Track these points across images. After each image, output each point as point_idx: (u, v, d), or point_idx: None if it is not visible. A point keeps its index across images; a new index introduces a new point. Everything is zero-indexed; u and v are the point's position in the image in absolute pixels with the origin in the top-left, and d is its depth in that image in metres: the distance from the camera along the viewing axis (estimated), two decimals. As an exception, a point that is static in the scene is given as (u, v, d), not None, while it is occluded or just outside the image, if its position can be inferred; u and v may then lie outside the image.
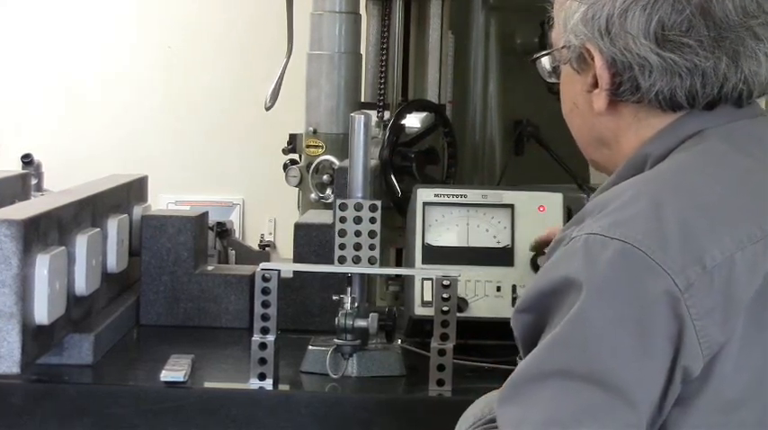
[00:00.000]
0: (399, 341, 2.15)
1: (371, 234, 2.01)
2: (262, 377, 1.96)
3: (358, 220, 2.01)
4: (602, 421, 1.21)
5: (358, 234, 2.01)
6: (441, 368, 1.96)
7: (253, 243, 4.75)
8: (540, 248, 2.19)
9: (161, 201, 4.68)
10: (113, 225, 2.24)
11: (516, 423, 1.24)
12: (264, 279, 1.95)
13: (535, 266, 2.20)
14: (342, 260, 2.02)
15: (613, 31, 1.37)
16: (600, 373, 1.22)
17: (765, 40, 1.36)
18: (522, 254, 2.21)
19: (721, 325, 1.24)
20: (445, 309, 1.97)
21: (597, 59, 1.39)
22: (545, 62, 1.52)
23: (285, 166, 3.22)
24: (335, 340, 2.01)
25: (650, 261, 1.24)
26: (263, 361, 1.95)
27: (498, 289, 2.20)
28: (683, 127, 1.39)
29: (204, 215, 2.53)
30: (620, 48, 1.37)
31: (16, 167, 4.14)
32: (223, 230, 3.72)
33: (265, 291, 1.95)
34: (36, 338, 1.83)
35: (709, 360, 1.24)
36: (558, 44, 1.47)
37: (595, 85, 1.41)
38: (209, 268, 2.47)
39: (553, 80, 1.52)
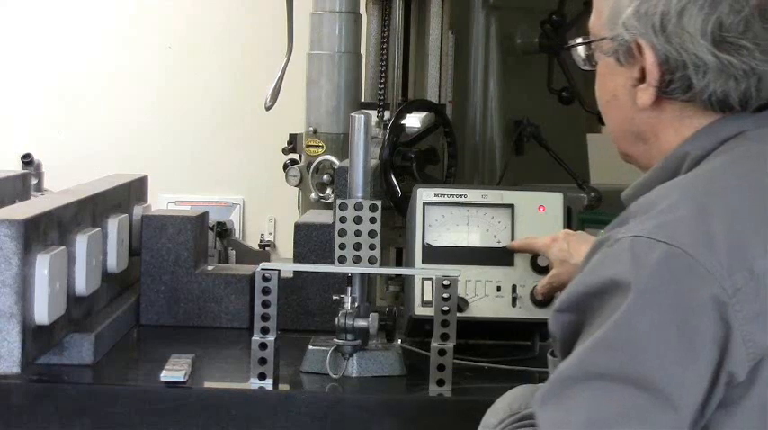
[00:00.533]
0: (399, 341, 2.15)
1: (371, 234, 2.01)
2: (262, 377, 1.95)
3: (358, 220, 2.01)
4: (645, 424, 1.20)
5: (358, 234, 2.01)
6: (441, 368, 1.96)
7: (253, 243, 4.75)
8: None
9: (161, 201, 4.68)
10: (113, 225, 2.24)
11: (558, 425, 1.23)
12: (264, 279, 1.95)
13: (535, 266, 2.19)
14: (342, 260, 2.02)
15: (669, 29, 1.35)
16: (643, 376, 1.21)
17: None
18: (523, 254, 2.21)
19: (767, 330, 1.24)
20: (445, 308, 1.96)
21: (649, 56, 1.37)
22: (580, 49, 1.49)
23: (285, 166, 3.22)
24: (335, 340, 2.01)
25: (697, 265, 1.23)
26: (263, 361, 1.95)
27: (498, 289, 2.20)
28: (723, 128, 1.37)
29: (204, 215, 2.53)
30: (676, 46, 1.35)
31: (16, 167, 4.13)
32: (223, 230, 3.72)
33: (265, 291, 1.95)
34: (36, 338, 1.83)
35: (755, 364, 1.24)
36: (598, 33, 1.44)
37: (642, 79, 1.39)
38: (209, 268, 2.46)
39: (587, 68, 1.49)
